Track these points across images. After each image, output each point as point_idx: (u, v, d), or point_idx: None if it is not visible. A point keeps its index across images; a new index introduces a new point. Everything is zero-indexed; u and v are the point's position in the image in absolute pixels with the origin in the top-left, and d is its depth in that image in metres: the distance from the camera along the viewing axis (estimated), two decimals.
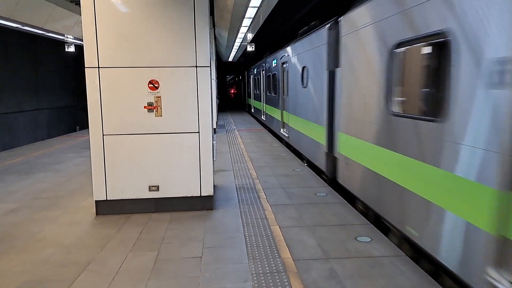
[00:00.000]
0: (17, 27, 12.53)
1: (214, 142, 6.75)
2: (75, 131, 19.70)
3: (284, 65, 13.28)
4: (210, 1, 6.92)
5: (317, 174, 8.83)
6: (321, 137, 8.62)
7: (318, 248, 4.76)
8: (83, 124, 19.62)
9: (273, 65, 15.82)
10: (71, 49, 16.51)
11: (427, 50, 4.39)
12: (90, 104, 5.82)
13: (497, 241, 3.22)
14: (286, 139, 13.30)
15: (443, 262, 3.95)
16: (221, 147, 12.54)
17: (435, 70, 4.21)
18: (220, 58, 32.43)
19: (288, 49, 12.56)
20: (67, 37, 15.41)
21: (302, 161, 10.37)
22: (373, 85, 5.78)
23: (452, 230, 3.82)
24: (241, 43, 19.20)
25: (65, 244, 5.01)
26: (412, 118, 4.60)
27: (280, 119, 14.56)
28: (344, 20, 7.08)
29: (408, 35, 4.65)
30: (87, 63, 5.75)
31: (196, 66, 5.94)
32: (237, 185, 7.74)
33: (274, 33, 22.81)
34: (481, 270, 3.36)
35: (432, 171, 4.16)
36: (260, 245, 4.88)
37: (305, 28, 10.69)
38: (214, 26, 16.30)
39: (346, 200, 6.84)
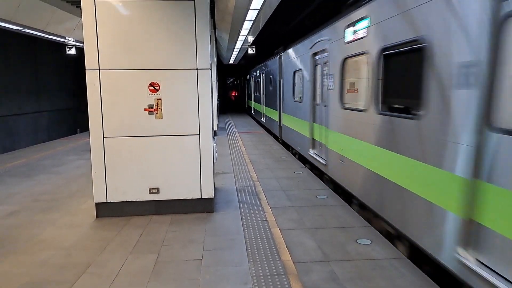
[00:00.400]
0: (18, 29, 12.55)
1: (215, 144, 6.75)
2: (76, 133, 19.71)
3: (263, 75, 20.19)
4: (211, 4, 6.93)
5: (275, 139, 15.57)
6: (276, 117, 15.65)
7: (319, 250, 4.76)
8: (84, 126, 19.64)
9: (258, 74, 22.68)
10: (72, 51, 16.53)
11: (299, 75, 11.31)
12: (91, 106, 5.83)
13: (312, 140, 9.72)
14: (264, 123, 20.71)
15: (303, 154, 10.41)
16: (222, 150, 12.54)
17: (301, 83, 10.85)
18: (221, 61, 32.45)
19: (264, 64, 19.43)
20: (68, 39, 15.44)
21: (270, 136, 16.59)
22: (289, 88, 12.64)
23: (306, 142, 10.17)
24: (242, 45, 19.22)
25: (65, 246, 5.01)
26: (298, 102, 11.34)
27: (261, 111, 21.62)
28: (282, 55, 13.99)
29: (296, 68, 11.51)
30: (87, 65, 5.75)
31: (197, 69, 5.94)
32: (238, 188, 7.74)
33: (275, 36, 22.86)
34: (307, 151, 9.95)
35: (300, 121, 10.87)
36: (260, 247, 4.88)
37: (276, 50, 15.92)
38: (215, 28, 16.32)
39: (285, 148, 13.40)
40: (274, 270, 4.26)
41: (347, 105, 7.02)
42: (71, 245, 5.03)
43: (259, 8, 10.03)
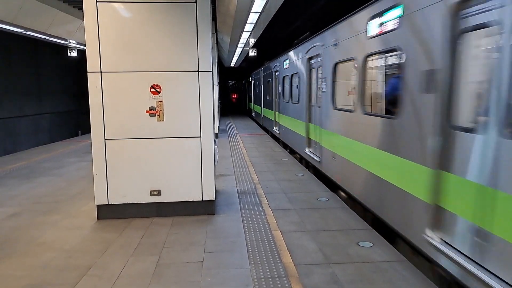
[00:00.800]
0: (20, 32, 12.57)
1: (216, 146, 6.75)
2: (77, 135, 19.71)
3: (253, 81, 28.10)
4: (212, 7, 6.94)
5: (259, 125, 23.21)
6: (260, 111, 22.63)
7: (320, 253, 4.75)
8: (85, 129, 19.63)
9: (250, 80, 31.14)
10: (74, 53, 16.55)
11: (271, 82, 17.96)
12: (92, 109, 5.83)
13: (275, 122, 16.58)
14: (254, 117, 27.91)
15: (272, 132, 17.36)
16: (223, 152, 12.54)
17: (270, 88, 18.19)
18: (222, 63, 32.49)
19: (255, 72, 26.63)
20: (69, 41, 15.46)
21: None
22: (265, 91, 20.14)
23: (272, 124, 17.23)
24: (243, 48, 19.24)
25: (66, 248, 5.01)
26: (270, 99, 18.10)
27: (252, 108, 29.67)
28: (262, 68, 21.46)
29: (269, 78, 18.41)
30: (89, 68, 5.76)
31: (198, 71, 5.95)
32: (239, 190, 7.74)
33: (276, 39, 22.91)
34: (273, 129, 17.17)
35: (271, 111, 17.69)
36: (261, 250, 4.87)
37: (266, 61, 21.30)
38: (216, 31, 16.34)
39: (264, 130, 21.22)
40: (275, 273, 4.25)
41: (284, 100, 13.94)
42: (72, 247, 5.03)
43: (260, 10, 10.04)
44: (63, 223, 5.99)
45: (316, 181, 8.44)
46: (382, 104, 6.34)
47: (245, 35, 14.54)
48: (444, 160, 3.92)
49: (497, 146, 3.22)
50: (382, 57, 6.23)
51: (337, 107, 7.61)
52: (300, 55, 11.03)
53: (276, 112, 15.94)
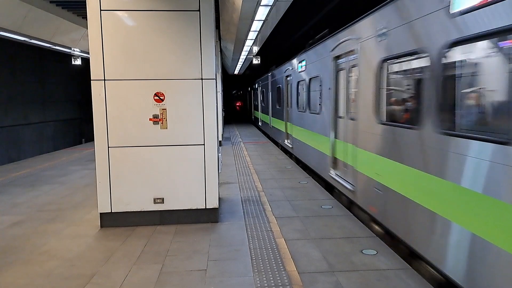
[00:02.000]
0: (24, 40, 12.66)
1: (220, 154, 6.74)
2: (81, 143, 19.77)
3: (253, 90, 33.09)
4: (216, 15, 6.97)
5: (254, 125, 30.78)
6: (258, 116, 28.00)
7: (324, 261, 4.72)
8: (89, 136, 19.69)
9: (251, 89, 36.16)
10: (78, 62, 16.65)
11: (266, 91, 22.01)
12: (96, 117, 5.84)
13: (269, 124, 20.71)
14: (254, 120, 32.03)
15: (264, 130, 23.38)
16: (227, 160, 12.53)
17: (267, 94, 21.77)
18: (226, 71, 32.60)
19: (255, 82, 30.54)
20: (73, 50, 15.56)
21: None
22: (260, 99, 26.48)
23: (266, 124, 22.03)
24: (246, 56, 19.30)
25: (69, 256, 4.99)
26: (265, 105, 22.47)
27: (252, 114, 35.00)
28: (261, 78, 26.23)
29: (265, 88, 22.38)
30: (93, 76, 5.78)
31: (202, 79, 5.96)
32: (242, 198, 7.72)
33: (279, 46, 23.03)
34: (268, 127, 21.38)
35: (264, 115, 23.05)
36: (265, 258, 4.84)
37: (267, 72, 23.92)
38: (220, 39, 16.42)
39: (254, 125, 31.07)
40: (279, 281, 4.22)
41: (277, 105, 16.92)
42: (75, 256, 5.02)
43: (264, 18, 10.08)
44: (66, 231, 5.99)
45: (320, 189, 8.41)
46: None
47: (248, 43, 14.58)
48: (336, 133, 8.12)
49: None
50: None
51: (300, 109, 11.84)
52: (289, 68, 14.39)
53: (273, 118, 19.33)
